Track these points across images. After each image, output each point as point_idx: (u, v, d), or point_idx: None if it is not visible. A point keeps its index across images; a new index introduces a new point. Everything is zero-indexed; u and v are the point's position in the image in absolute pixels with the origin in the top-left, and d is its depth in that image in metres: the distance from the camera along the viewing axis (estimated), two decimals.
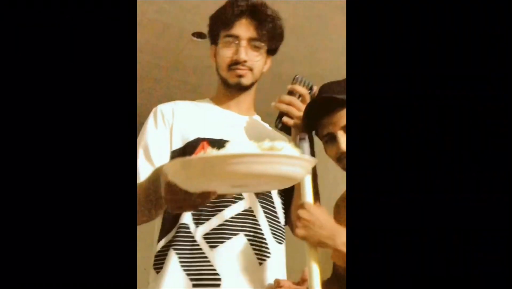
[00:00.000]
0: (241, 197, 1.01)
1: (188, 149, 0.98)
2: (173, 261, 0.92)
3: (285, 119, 1.04)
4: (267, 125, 1.19)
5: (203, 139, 0.98)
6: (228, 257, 0.93)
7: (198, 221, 0.96)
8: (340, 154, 1.05)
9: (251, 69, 1.07)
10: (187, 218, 0.95)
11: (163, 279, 0.91)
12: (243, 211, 0.99)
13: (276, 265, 0.99)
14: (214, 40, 1.12)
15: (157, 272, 0.93)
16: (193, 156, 0.59)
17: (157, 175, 0.75)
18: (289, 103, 1.02)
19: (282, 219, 1.07)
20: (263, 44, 1.07)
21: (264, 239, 0.97)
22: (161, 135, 1.00)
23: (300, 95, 1.03)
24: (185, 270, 0.92)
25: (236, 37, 1.05)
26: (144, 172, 0.92)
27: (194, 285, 0.91)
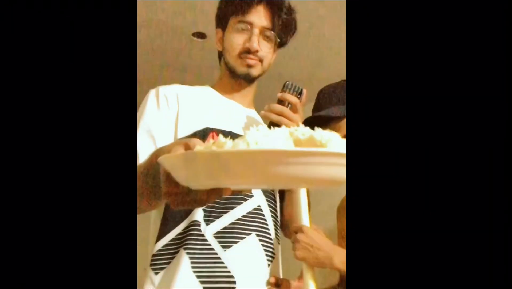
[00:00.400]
0: (250, 194, 0.97)
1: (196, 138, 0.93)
2: (184, 262, 0.86)
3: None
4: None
5: (212, 129, 0.95)
6: (242, 258, 0.88)
7: (208, 218, 0.91)
8: None
9: (261, 60, 1.01)
10: (199, 215, 0.89)
11: (173, 282, 0.84)
12: (253, 210, 0.95)
13: (277, 266, 0.97)
14: (223, 24, 1.04)
15: (156, 273, 0.88)
16: (205, 149, 0.48)
17: (157, 157, 0.60)
18: (280, 114, 0.96)
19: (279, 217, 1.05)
20: (275, 35, 1.01)
21: (271, 239, 0.95)
22: (165, 118, 0.93)
23: (289, 104, 0.99)
24: (195, 272, 0.86)
25: (250, 24, 0.98)
26: (146, 153, 0.80)
27: (205, 288, 0.85)
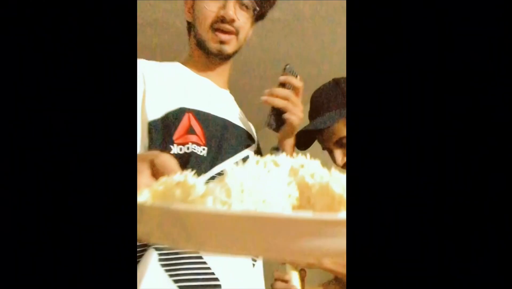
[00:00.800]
0: None
1: (169, 121, 0.84)
2: (152, 260, 0.75)
3: (289, 117, 0.91)
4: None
5: (188, 110, 0.87)
6: (226, 259, 0.81)
7: None
8: (340, 165, 1.08)
9: (236, 33, 0.90)
10: None
11: (140, 283, 0.73)
12: None
13: (261, 265, 0.92)
14: None
15: None
16: (158, 203, 0.35)
17: None
18: (286, 98, 0.89)
19: None
20: (253, 2, 0.90)
21: None
22: None
23: (293, 88, 0.91)
24: (168, 273, 0.76)
25: None
26: None
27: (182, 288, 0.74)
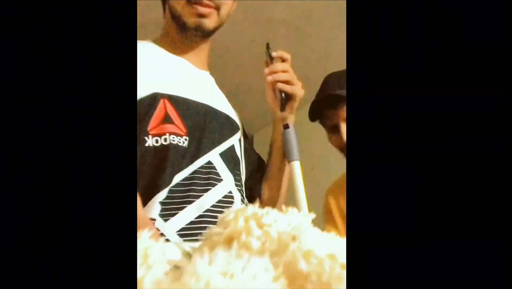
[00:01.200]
0: (219, 177, 0.79)
1: (141, 108, 0.74)
2: None
3: (294, 89, 0.85)
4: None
5: (163, 96, 0.76)
6: None
7: (167, 212, 0.71)
8: (343, 144, 1.08)
9: (217, 8, 0.80)
10: (153, 209, 0.70)
11: None
12: (224, 197, 0.78)
13: None
14: None
15: None
16: None
17: None
18: (286, 71, 0.83)
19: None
20: None
21: None
22: None
23: (283, 61, 0.86)
24: None
25: None
26: None
27: None
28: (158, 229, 0.69)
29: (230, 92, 1.03)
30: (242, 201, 0.84)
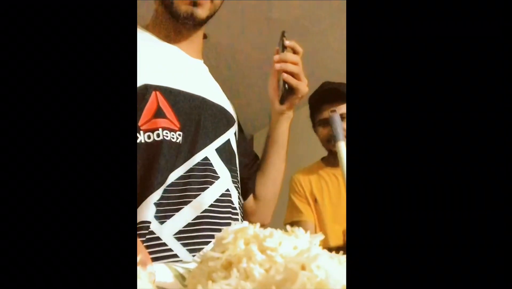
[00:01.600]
0: (216, 174, 0.75)
1: None
2: None
3: (299, 84, 0.82)
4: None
5: (155, 88, 0.73)
6: None
7: (163, 214, 0.67)
8: (331, 136, 1.18)
9: None
10: (148, 212, 0.66)
11: None
12: (221, 196, 0.74)
13: None
14: None
15: None
16: None
17: None
18: (296, 64, 0.80)
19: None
20: None
21: None
22: None
23: (295, 52, 0.83)
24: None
25: None
26: None
27: None
28: (153, 232, 0.66)
29: (230, 92, 1.03)
30: (239, 198, 0.81)
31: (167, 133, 0.72)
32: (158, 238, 0.66)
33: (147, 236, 0.65)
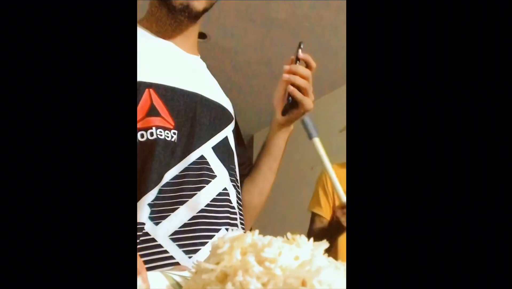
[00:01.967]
0: (213, 173, 0.73)
1: None
2: None
3: (303, 99, 0.80)
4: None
5: (149, 85, 0.71)
6: None
7: (157, 215, 0.66)
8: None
9: None
10: (142, 213, 0.65)
11: None
12: (218, 195, 0.72)
13: None
14: None
15: None
16: None
17: None
18: (306, 78, 0.78)
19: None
20: None
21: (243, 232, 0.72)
22: None
23: (308, 67, 0.81)
24: None
25: None
26: None
27: None
28: (148, 234, 0.65)
29: (230, 93, 1.02)
30: (238, 197, 0.79)
31: (161, 132, 0.71)
32: (153, 240, 0.65)
33: (142, 238, 0.64)
